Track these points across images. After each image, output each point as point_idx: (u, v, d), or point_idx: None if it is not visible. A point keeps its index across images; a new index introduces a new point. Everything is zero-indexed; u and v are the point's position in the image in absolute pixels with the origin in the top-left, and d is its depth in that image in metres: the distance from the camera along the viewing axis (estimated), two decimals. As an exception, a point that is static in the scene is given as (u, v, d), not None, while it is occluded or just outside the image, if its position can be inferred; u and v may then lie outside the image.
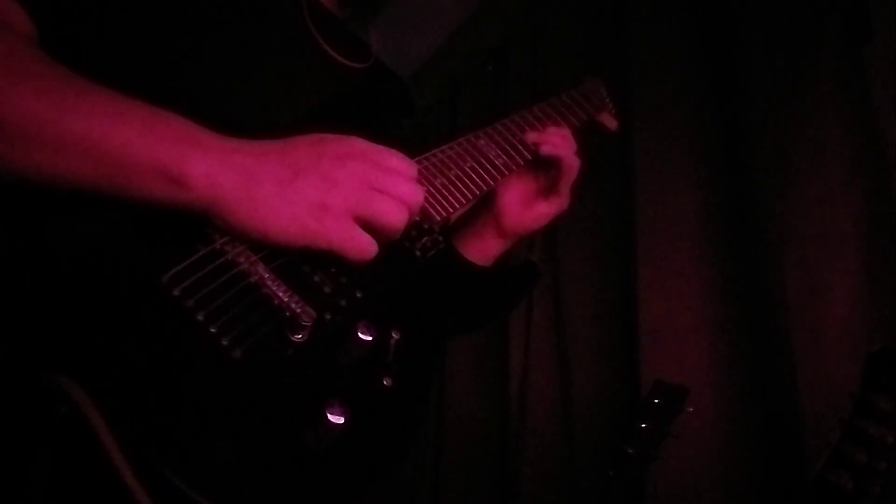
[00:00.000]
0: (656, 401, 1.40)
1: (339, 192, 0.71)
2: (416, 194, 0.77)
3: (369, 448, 0.72)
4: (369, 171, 0.74)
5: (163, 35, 0.82)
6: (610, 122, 1.28)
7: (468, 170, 1.01)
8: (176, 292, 0.65)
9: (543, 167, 1.12)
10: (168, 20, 0.83)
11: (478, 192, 1.01)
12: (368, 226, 0.73)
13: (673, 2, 1.97)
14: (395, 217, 0.74)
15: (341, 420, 0.65)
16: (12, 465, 0.64)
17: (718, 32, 1.86)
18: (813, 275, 1.54)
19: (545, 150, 1.10)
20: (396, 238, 0.76)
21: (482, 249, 1.11)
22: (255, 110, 0.86)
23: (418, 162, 0.96)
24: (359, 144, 0.76)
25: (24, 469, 0.63)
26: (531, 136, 1.11)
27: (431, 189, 0.95)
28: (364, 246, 0.73)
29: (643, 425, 1.38)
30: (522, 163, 1.09)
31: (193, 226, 0.70)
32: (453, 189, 0.97)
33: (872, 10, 1.55)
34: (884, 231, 1.48)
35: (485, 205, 1.13)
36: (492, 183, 1.03)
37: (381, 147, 0.77)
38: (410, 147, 0.99)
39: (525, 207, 1.12)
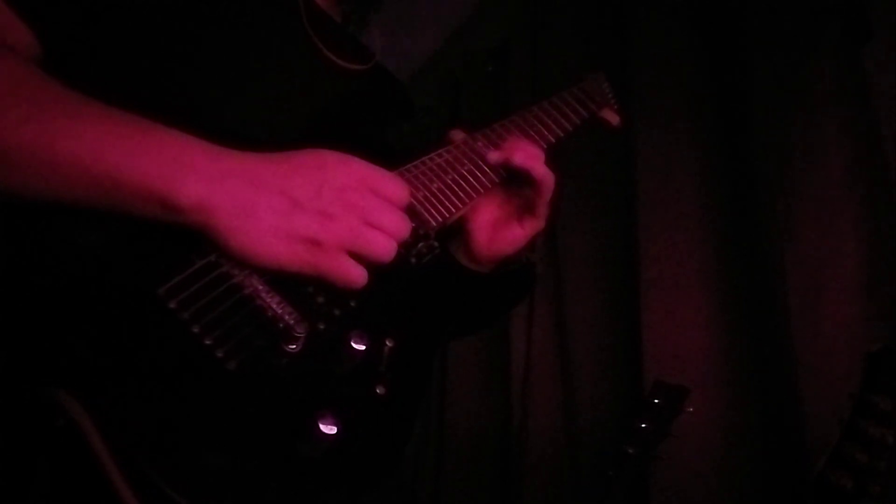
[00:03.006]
0: (656, 401, 1.40)
1: (335, 229, 0.73)
2: (403, 229, 0.79)
3: (362, 457, 0.72)
4: (367, 203, 0.75)
5: (161, 43, 0.83)
6: (612, 118, 1.25)
7: (465, 173, 1.00)
8: (172, 305, 0.66)
9: (515, 187, 1.02)
10: (166, 29, 0.83)
11: (475, 196, 1.00)
12: (359, 257, 0.75)
13: (673, 2, 1.97)
14: (385, 252, 0.76)
15: (333, 430, 0.66)
16: (12, 476, 0.64)
17: (718, 32, 1.86)
18: (813, 275, 1.54)
19: (517, 160, 0.99)
20: (385, 266, 0.77)
21: None
22: (255, 115, 0.86)
23: (415, 167, 0.96)
24: (358, 170, 0.77)
25: (24, 480, 0.64)
26: (493, 157, 1.00)
27: (427, 193, 0.94)
28: (354, 277, 0.74)
29: (643, 425, 1.38)
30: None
31: (190, 237, 0.70)
32: (450, 193, 0.97)
33: (872, 10, 1.55)
34: (884, 231, 1.47)
35: (456, 229, 1.03)
36: (489, 186, 1.03)
37: (378, 172, 0.78)
38: (407, 150, 0.99)
39: (496, 233, 1.03)
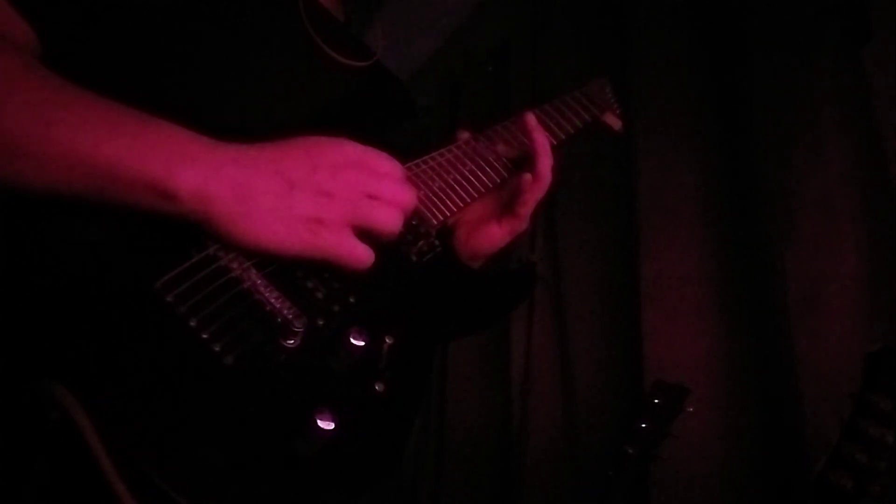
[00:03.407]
0: (656, 401, 1.39)
1: (335, 205, 0.71)
2: (409, 196, 0.77)
3: (359, 454, 0.71)
4: (363, 178, 0.74)
5: (161, 40, 0.83)
6: (614, 123, 1.25)
7: (466, 173, 1.01)
8: (169, 298, 0.66)
9: (504, 184, 1.05)
10: (166, 28, 0.83)
11: (476, 196, 1.01)
12: (364, 233, 0.73)
13: (673, 2, 1.97)
14: (390, 222, 0.74)
15: (331, 426, 0.65)
16: (9, 470, 0.64)
17: (718, 32, 1.86)
18: (813, 275, 1.54)
19: (537, 138, 1.03)
20: (392, 240, 0.76)
21: None
22: (256, 113, 0.86)
23: (416, 165, 0.96)
24: (352, 149, 0.76)
25: (21, 475, 0.64)
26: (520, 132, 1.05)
27: (429, 193, 0.95)
28: (361, 256, 0.73)
29: (643, 425, 1.38)
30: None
31: (188, 231, 0.70)
32: (451, 193, 0.97)
33: (872, 10, 1.55)
34: (884, 231, 1.47)
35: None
36: (490, 186, 1.03)
37: (372, 150, 0.77)
38: (409, 149, 0.99)
39: (475, 230, 1.04)
